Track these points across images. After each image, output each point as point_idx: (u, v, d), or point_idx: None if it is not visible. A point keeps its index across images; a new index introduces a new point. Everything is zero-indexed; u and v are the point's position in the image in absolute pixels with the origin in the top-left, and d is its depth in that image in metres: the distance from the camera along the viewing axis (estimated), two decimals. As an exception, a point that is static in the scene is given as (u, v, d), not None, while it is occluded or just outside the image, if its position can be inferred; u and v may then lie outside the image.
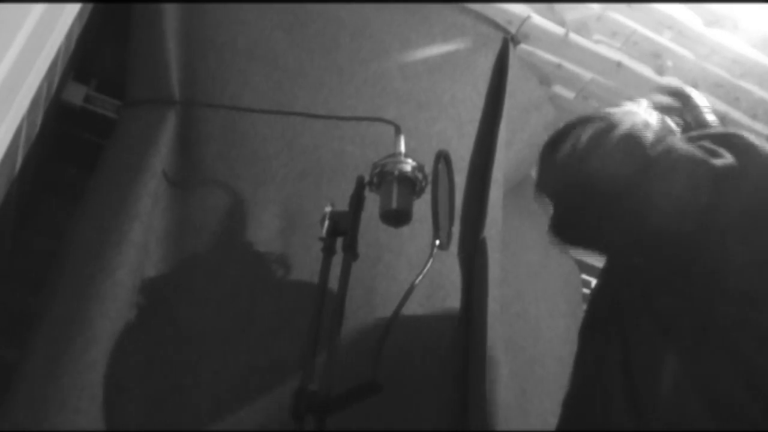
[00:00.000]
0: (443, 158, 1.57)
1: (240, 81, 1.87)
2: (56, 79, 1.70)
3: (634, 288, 1.33)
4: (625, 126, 1.27)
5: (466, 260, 1.94)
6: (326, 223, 1.51)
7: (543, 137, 2.38)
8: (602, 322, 1.40)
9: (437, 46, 2.21)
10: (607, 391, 1.27)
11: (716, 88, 2.68)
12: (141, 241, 1.56)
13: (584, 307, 2.36)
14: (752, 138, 1.26)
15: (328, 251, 1.48)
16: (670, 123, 1.47)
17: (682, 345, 1.22)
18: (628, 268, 1.36)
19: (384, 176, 1.51)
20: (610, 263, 1.49)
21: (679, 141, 1.28)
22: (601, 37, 2.51)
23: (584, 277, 2.54)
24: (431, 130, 2.05)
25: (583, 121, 1.33)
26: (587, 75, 2.63)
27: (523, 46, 2.52)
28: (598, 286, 1.52)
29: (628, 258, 1.34)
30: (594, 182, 1.23)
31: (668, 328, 1.25)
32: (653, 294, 1.28)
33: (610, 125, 1.27)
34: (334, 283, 1.42)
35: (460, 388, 1.75)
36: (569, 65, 2.61)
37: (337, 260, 1.46)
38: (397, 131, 1.58)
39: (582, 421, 1.34)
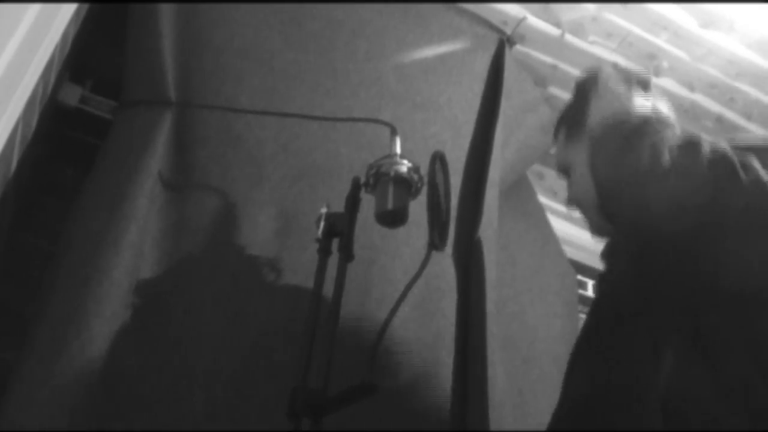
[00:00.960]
0: (439, 159, 1.57)
1: (235, 82, 1.87)
2: (52, 80, 1.70)
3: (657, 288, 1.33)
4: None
5: (462, 261, 1.94)
6: (322, 224, 1.51)
7: (539, 138, 2.41)
8: (621, 324, 1.39)
9: (433, 48, 2.22)
10: (636, 392, 1.26)
11: (711, 89, 2.69)
12: (137, 242, 1.56)
13: (579, 307, 2.37)
14: None
15: (324, 252, 1.48)
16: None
17: (703, 348, 1.23)
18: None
19: (380, 177, 1.51)
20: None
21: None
22: (597, 38, 2.52)
23: (580, 278, 2.54)
24: (427, 132, 2.06)
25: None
26: (583, 76, 2.64)
27: (518, 47, 2.52)
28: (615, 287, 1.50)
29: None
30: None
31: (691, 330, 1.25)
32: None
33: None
34: (329, 285, 1.42)
35: (458, 388, 1.75)
36: (565, 66, 2.62)
37: (333, 261, 1.46)
38: (393, 132, 1.58)
39: (594, 421, 1.32)
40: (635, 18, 2.44)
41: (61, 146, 1.89)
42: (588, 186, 1.61)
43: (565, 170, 1.70)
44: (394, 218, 1.50)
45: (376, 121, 1.74)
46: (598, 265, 1.54)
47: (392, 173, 1.50)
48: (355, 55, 2.07)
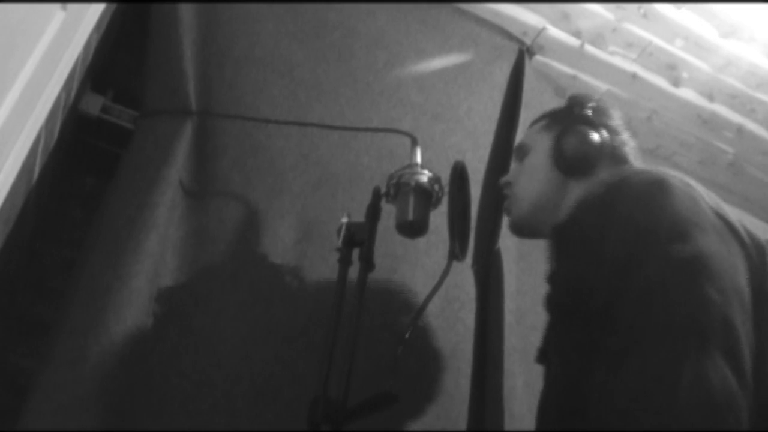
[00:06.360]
0: (459, 170, 1.57)
1: (256, 92, 1.87)
2: (74, 90, 1.70)
3: None
4: None
5: (481, 272, 1.93)
6: (342, 233, 1.51)
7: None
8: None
9: (453, 58, 2.22)
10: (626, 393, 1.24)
11: (732, 99, 2.67)
12: (157, 251, 1.56)
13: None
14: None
15: (345, 262, 1.49)
16: None
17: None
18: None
19: (400, 187, 1.51)
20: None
21: None
22: (617, 49, 2.51)
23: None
24: (447, 142, 2.06)
25: None
26: (602, 86, 2.63)
27: (538, 57, 2.52)
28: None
29: None
30: None
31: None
32: None
33: None
34: (350, 294, 1.42)
35: (477, 398, 1.75)
36: (584, 77, 2.61)
37: (354, 270, 1.46)
38: (414, 143, 1.58)
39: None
40: (655, 28, 2.43)
41: (82, 155, 1.90)
42: (536, 180, 1.59)
43: (523, 151, 1.67)
44: (414, 229, 1.49)
45: (396, 131, 1.74)
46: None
47: (413, 183, 1.50)
48: (374, 65, 2.08)
